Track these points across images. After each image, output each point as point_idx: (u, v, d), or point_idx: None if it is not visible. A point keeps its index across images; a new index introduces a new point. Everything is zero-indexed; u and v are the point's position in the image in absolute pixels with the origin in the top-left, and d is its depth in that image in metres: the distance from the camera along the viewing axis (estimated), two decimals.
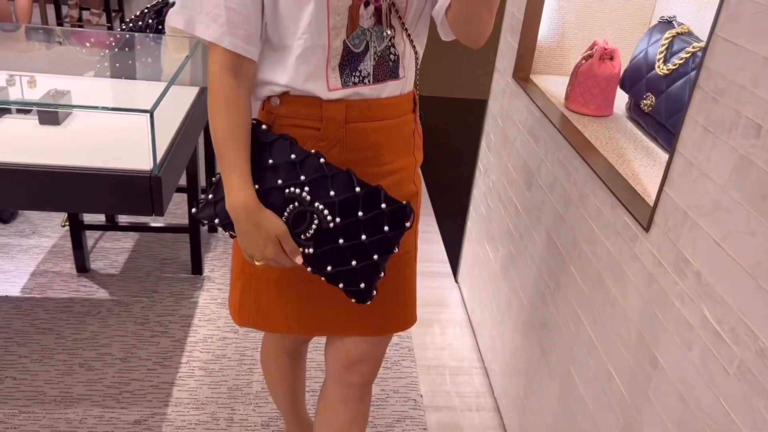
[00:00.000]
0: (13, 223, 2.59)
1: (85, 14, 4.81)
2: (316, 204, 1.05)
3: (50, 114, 1.72)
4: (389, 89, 1.12)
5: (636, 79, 1.63)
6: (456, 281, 2.53)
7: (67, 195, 1.52)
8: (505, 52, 2.04)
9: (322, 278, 1.10)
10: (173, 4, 2.03)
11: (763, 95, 0.86)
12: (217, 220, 1.13)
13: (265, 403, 1.85)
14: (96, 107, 1.58)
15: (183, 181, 2.29)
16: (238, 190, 1.05)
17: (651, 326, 1.11)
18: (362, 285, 1.08)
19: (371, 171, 1.13)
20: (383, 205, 1.05)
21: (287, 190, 1.06)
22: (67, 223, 2.30)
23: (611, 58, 1.65)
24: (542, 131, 1.68)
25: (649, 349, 1.11)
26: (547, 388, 1.55)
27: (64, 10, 4.85)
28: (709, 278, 0.95)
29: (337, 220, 1.05)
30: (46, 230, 2.58)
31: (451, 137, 3.90)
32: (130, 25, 2.15)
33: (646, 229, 1.13)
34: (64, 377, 1.87)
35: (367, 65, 1.09)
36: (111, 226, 2.47)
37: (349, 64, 1.07)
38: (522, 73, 1.91)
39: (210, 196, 1.16)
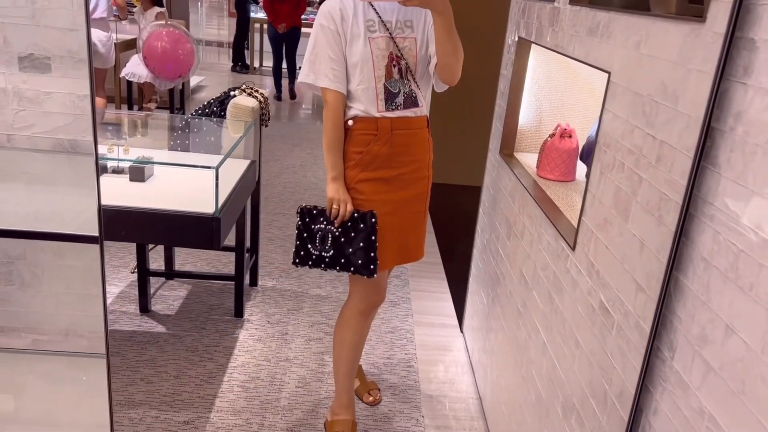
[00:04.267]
0: None
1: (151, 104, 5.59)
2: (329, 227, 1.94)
3: (138, 173, 2.24)
4: (413, 112, 1.93)
5: (589, 153, 2.07)
6: (462, 331, 2.90)
7: (150, 230, 2.00)
8: (495, 135, 2.52)
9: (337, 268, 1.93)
10: (234, 96, 2.65)
11: (627, 145, 1.30)
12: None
13: (290, 414, 2.22)
14: (177, 164, 2.09)
15: (232, 241, 2.78)
16: (333, 180, 1.89)
17: (575, 318, 1.49)
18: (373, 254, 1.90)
19: (403, 159, 1.94)
20: (355, 214, 1.90)
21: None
22: (136, 270, 2.79)
23: (570, 136, 2.11)
24: (518, 193, 2.13)
25: (574, 336, 1.49)
26: (525, 399, 1.90)
27: (135, 108, 5.64)
28: (603, 273, 1.36)
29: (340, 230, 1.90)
30: (115, 280, 3.07)
31: (463, 217, 4.35)
32: (199, 112, 2.72)
33: (573, 248, 1.55)
34: (127, 387, 2.28)
35: (399, 99, 1.91)
36: (170, 273, 2.94)
37: (389, 98, 1.89)
38: (506, 150, 2.38)
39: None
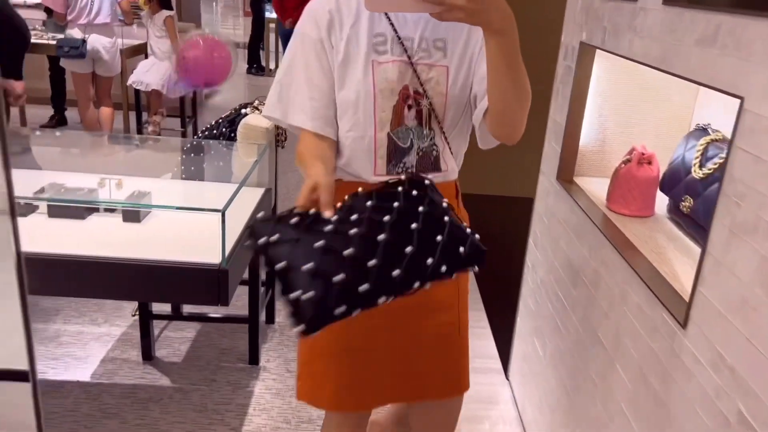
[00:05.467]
0: (86, 312, 2.78)
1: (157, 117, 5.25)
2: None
3: (132, 213, 1.91)
4: (433, 178, 1.15)
5: (675, 182, 1.70)
6: (507, 378, 2.54)
7: (145, 286, 1.67)
8: (549, 156, 2.15)
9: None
10: (245, 114, 2.28)
11: None
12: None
13: None
14: (176, 207, 1.75)
15: (245, 274, 2.44)
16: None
17: (692, 421, 1.13)
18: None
19: None
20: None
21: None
22: (137, 313, 2.46)
23: (649, 163, 1.74)
24: (585, 231, 1.76)
25: None
26: None
27: (144, 116, 5.33)
28: (742, 373, 0.99)
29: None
30: (117, 320, 2.75)
31: (500, 233, 3.98)
32: (206, 133, 2.39)
33: (683, 325, 1.18)
34: None
35: (411, 158, 1.28)
36: (176, 315, 2.62)
37: (394, 155, 1.27)
38: (565, 176, 2.01)
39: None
